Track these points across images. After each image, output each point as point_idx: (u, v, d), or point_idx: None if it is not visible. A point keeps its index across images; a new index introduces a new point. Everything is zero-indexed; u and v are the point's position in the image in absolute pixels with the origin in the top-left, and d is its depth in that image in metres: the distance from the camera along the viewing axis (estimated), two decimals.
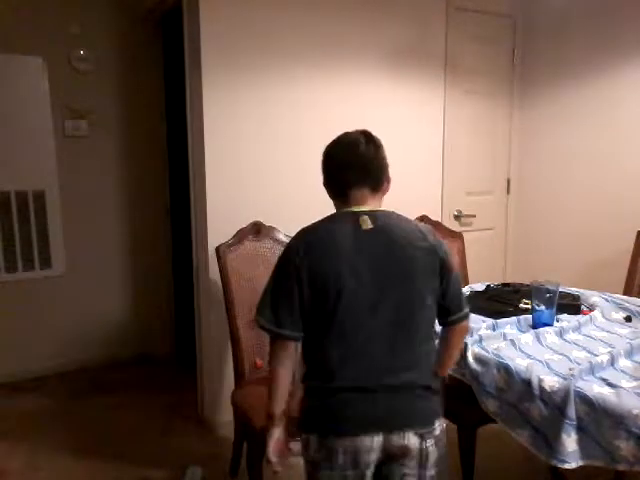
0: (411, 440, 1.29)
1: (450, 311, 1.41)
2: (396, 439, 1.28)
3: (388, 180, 1.50)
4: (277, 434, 1.38)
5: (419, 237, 1.36)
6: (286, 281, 1.32)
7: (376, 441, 1.27)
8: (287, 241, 2.62)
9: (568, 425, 1.39)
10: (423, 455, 1.31)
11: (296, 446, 1.40)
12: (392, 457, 1.31)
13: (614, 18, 2.99)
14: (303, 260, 1.30)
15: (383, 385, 1.29)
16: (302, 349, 1.38)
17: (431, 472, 1.34)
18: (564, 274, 2.66)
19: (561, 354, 1.65)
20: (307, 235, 1.38)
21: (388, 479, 1.34)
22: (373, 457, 1.29)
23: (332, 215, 1.44)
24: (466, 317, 1.45)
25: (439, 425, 1.34)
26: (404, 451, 1.30)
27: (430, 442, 1.31)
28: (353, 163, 1.41)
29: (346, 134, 1.47)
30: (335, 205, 1.49)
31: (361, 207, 1.39)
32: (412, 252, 1.33)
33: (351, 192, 1.40)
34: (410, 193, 3.21)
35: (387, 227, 1.35)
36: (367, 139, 1.43)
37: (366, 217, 1.35)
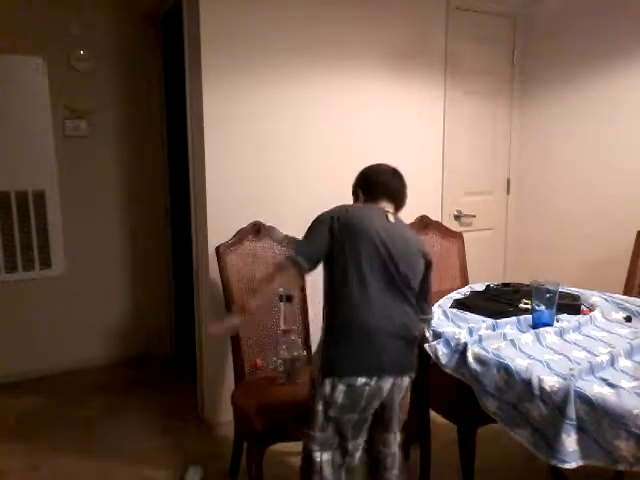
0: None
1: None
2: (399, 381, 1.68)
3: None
4: (237, 322, 1.82)
5: (418, 241, 1.82)
6: (320, 227, 1.69)
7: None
8: (287, 241, 2.62)
9: (568, 425, 1.39)
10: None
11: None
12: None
13: (614, 18, 2.99)
14: (340, 219, 1.68)
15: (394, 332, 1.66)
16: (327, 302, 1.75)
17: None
18: (564, 274, 2.66)
19: (561, 354, 1.65)
20: (343, 207, 1.74)
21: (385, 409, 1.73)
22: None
23: (364, 204, 1.83)
24: (427, 323, 1.85)
25: None
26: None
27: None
28: (392, 185, 1.84)
29: (386, 164, 1.89)
30: (364, 202, 1.85)
31: (386, 209, 1.80)
32: (415, 248, 1.76)
33: (382, 200, 1.81)
34: (410, 193, 3.18)
35: (402, 227, 1.80)
36: (400, 175, 1.87)
37: (390, 214, 1.78)
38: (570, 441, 1.39)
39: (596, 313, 2.00)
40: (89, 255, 3.48)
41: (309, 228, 1.73)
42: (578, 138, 3.24)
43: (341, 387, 1.60)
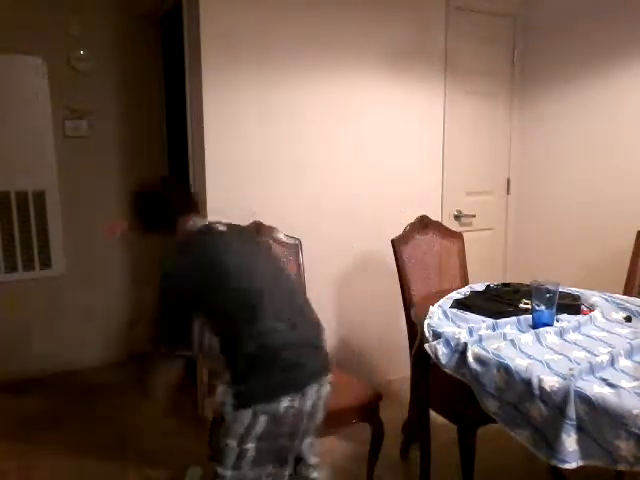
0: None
1: None
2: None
3: None
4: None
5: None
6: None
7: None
8: (287, 241, 2.63)
9: (568, 425, 1.39)
10: None
11: None
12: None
13: (614, 18, 2.99)
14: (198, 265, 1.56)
15: None
16: None
17: None
18: (564, 274, 2.65)
19: (561, 354, 1.65)
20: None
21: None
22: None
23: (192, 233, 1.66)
24: None
25: None
26: None
27: None
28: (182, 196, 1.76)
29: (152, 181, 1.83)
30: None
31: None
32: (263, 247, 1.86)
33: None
34: (410, 193, 3.22)
35: (241, 232, 1.77)
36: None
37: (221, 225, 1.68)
38: (570, 441, 1.39)
39: (596, 313, 1.99)
40: (89, 255, 3.48)
41: None
42: (578, 138, 3.24)
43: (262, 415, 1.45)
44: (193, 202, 1.66)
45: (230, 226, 1.65)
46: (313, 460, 1.74)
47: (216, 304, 1.47)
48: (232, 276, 1.46)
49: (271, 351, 1.48)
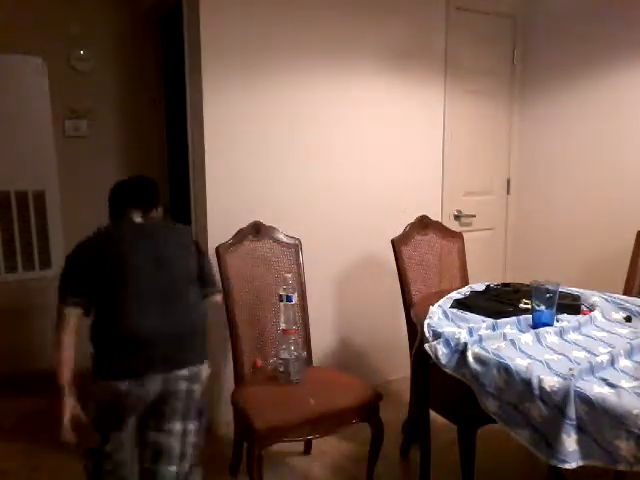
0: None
1: None
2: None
3: None
4: (72, 402, 1.78)
5: (183, 233, 1.95)
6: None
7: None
8: (287, 241, 2.64)
9: (568, 425, 1.39)
10: None
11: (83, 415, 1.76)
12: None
13: (614, 18, 2.99)
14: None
15: None
16: None
17: None
18: (564, 274, 2.66)
19: (561, 354, 1.65)
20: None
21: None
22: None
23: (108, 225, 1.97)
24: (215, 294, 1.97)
25: None
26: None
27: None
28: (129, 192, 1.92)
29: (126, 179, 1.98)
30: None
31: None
32: (180, 241, 1.90)
33: (128, 210, 1.88)
34: (410, 193, 3.22)
35: (156, 227, 1.91)
36: (137, 179, 1.97)
37: (138, 218, 1.89)
38: (570, 441, 1.39)
39: (596, 313, 1.99)
40: None
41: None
42: (578, 138, 3.24)
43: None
44: (140, 199, 1.87)
45: (144, 222, 1.85)
46: (175, 451, 1.80)
47: (93, 282, 1.73)
48: (106, 262, 1.71)
49: (119, 336, 1.67)
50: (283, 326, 2.19)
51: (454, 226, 3.25)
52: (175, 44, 2.96)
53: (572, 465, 1.40)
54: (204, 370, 1.81)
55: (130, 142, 3.52)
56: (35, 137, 3.24)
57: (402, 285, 2.52)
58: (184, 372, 1.74)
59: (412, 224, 2.66)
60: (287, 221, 2.61)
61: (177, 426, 1.79)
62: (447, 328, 1.87)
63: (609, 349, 1.66)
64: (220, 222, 2.58)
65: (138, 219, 1.85)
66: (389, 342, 3.13)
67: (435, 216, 2.87)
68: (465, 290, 2.33)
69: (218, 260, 2.31)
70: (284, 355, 2.16)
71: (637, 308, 2.03)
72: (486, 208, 3.57)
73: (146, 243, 1.76)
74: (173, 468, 1.79)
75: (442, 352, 1.77)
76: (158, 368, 1.69)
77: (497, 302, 2.10)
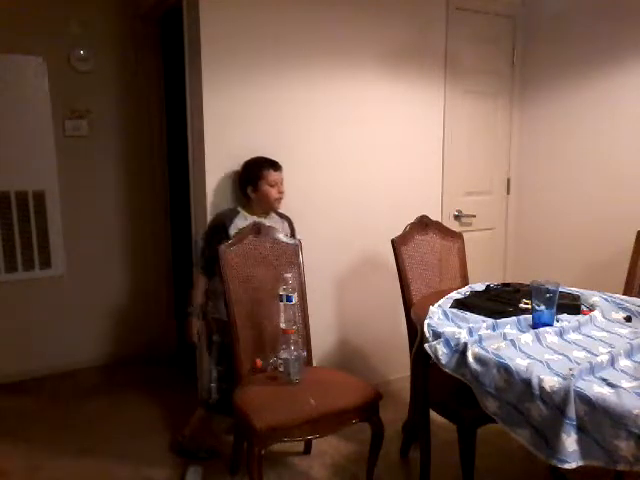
0: None
1: None
2: None
3: None
4: (197, 322, 2.44)
5: None
6: None
7: None
8: (287, 241, 2.64)
9: (568, 425, 1.39)
10: None
11: None
12: None
13: (614, 18, 2.99)
14: None
15: None
16: None
17: None
18: (564, 274, 2.66)
19: (561, 354, 1.65)
20: None
21: None
22: None
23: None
24: None
25: None
26: None
27: None
28: None
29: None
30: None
31: None
32: None
33: None
34: (410, 193, 3.22)
35: None
36: None
37: None
38: (570, 441, 1.39)
39: (596, 313, 1.99)
40: (89, 255, 3.48)
41: None
42: (578, 138, 3.24)
43: None
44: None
45: None
46: None
47: None
48: None
49: None
50: (283, 326, 2.19)
51: (454, 226, 3.25)
52: (175, 43, 2.96)
53: (572, 465, 1.40)
54: None
55: (130, 142, 3.52)
56: (35, 137, 3.24)
57: (402, 285, 2.52)
58: None
59: (412, 224, 2.66)
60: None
61: None
62: (447, 328, 1.87)
63: (609, 349, 1.66)
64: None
65: None
66: (389, 342, 3.13)
67: (435, 216, 2.87)
68: (465, 290, 2.33)
69: (218, 260, 2.30)
70: (284, 355, 2.16)
71: (637, 308, 2.03)
72: (486, 208, 3.57)
73: None
74: None
75: (442, 352, 1.77)
76: None
77: (497, 302, 2.10)
